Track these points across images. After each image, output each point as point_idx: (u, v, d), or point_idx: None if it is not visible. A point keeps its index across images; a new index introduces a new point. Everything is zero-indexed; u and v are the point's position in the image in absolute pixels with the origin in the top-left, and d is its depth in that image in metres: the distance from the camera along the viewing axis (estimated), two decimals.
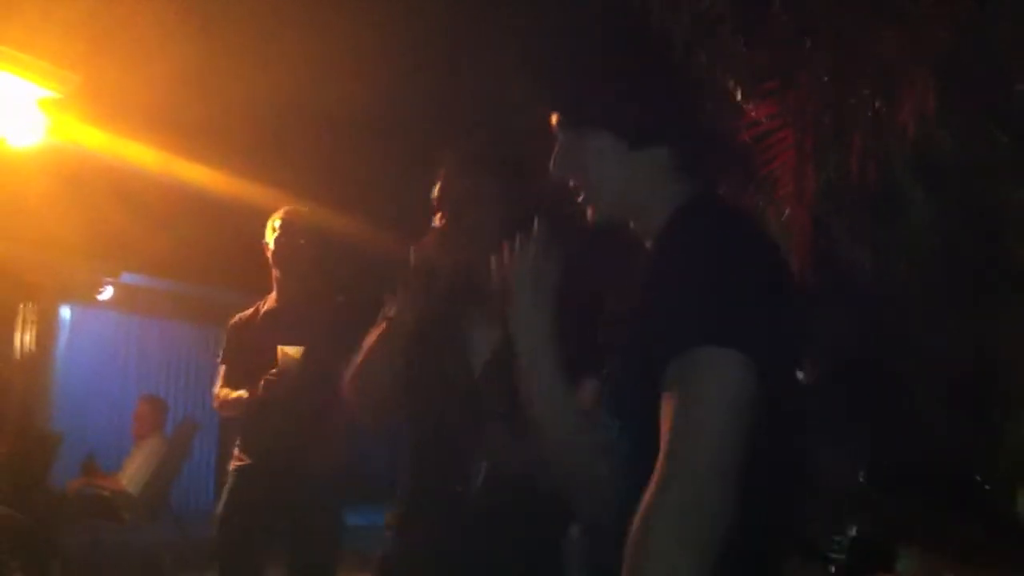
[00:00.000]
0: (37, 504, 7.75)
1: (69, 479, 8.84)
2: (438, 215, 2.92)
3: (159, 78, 6.43)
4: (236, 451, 4.72)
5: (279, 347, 4.46)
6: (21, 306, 9.36)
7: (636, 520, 1.53)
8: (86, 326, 10.95)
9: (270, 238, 4.61)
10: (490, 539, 2.96)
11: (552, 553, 3.06)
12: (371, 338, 3.03)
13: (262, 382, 4.47)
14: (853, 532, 4.68)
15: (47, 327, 9.70)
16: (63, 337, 10.27)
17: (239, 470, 4.64)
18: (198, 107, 6.73)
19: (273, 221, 4.63)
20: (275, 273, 4.67)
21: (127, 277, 10.22)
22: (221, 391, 4.71)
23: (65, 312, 10.34)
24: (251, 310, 4.81)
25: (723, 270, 1.62)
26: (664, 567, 1.50)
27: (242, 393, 4.59)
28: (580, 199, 1.89)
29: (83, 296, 10.21)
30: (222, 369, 4.77)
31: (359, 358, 3.08)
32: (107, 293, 10.28)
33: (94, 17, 5.98)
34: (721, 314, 1.58)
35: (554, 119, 1.94)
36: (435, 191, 2.93)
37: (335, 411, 4.54)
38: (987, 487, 5.07)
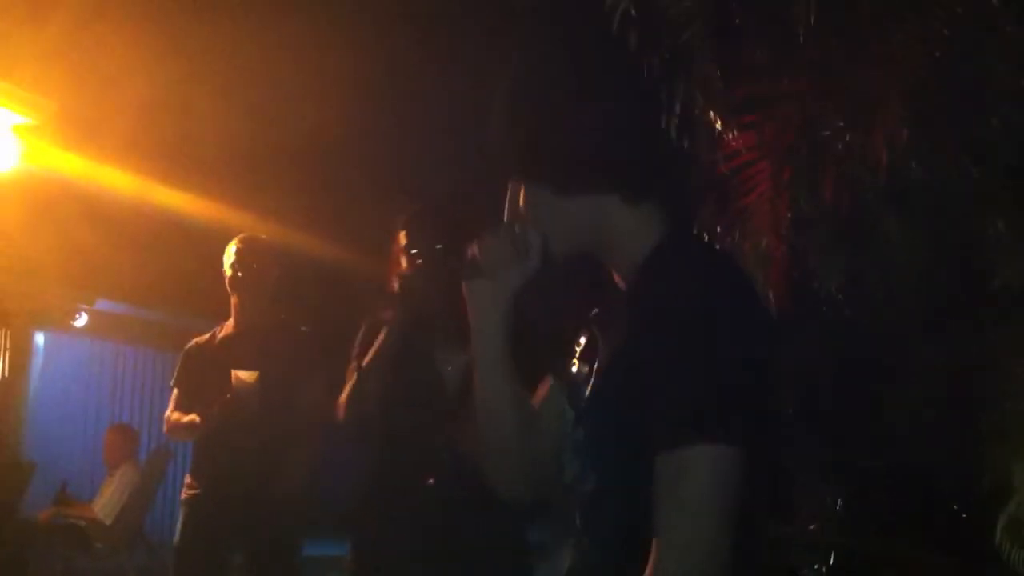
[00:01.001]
0: (9, 534, 7.67)
1: (42, 508, 8.76)
2: (406, 259, 3.43)
3: (134, 105, 6.42)
4: (187, 479, 4.69)
5: (233, 371, 4.46)
6: None
7: None
8: (60, 353, 10.88)
9: (227, 264, 4.61)
10: (456, 526, 3.26)
11: (516, 539, 3.42)
12: (365, 361, 3.40)
13: (215, 406, 4.46)
14: (831, 561, 4.69)
15: (20, 353, 9.63)
16: (37, 364, 10.20)
17: (191, 501, 4.62)
18: (173, 134, 6.72)
19: (230, 247, 4.63)
20: (233, 299, 4.66)
21: (102, 304, 10.16)
22: (172, 415, 4.70)
23: (39, 339, 10.27)
24: (207, 335, 4.80)
25: (709, 346, 1.60)
26: None
27: (193, 417, 4.58)
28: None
29: (57, 323, 10.14)
30: (175, 393, 4.76)
31: (354, 379, 3.43)
32: (82, 320, 10.21)
33: (69, 44, 5.96)
34: (711, 405, 1.58)
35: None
36: (401, 239, 3.46)
37: (296, 440, 4.54)
38: (963, 515, 5.08)
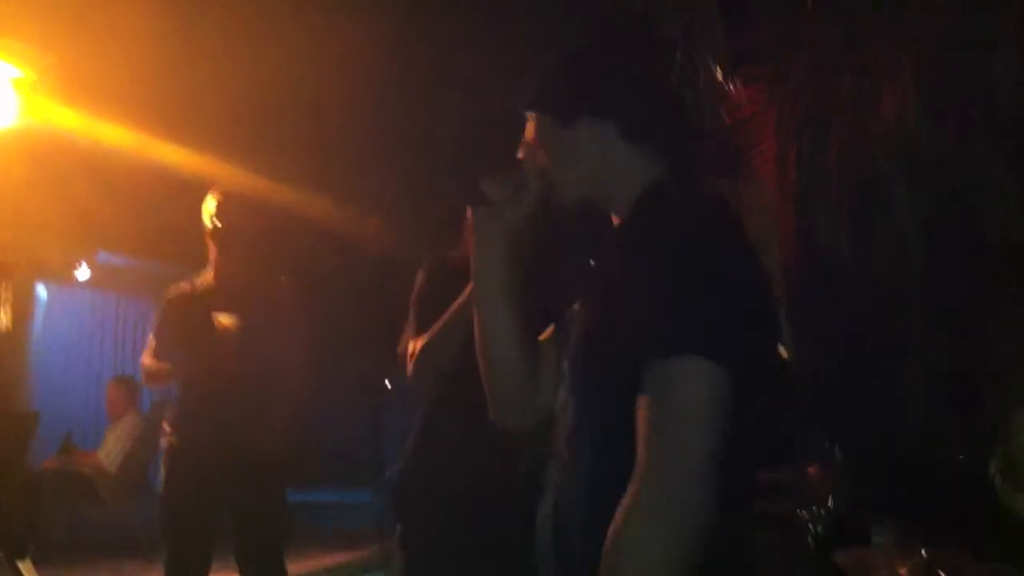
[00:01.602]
0: (14, 483, 7.72)
1: (47, 458, 8.82)
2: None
3: (134, 58, 6.37)
4: (166, 426, 4.73)
5: (214, 314, 4.50)
6: None
7: (615, 524, 1.59)
8: (62, 305, 10.91)
9: (206, 216, 4.64)
10: (498, 512, 3.08)
11: None
12: (445, 316, 3.22)
13: (195, 353, 4.51)
14: (830, 505, 4.74)
15: (23, 306, 9.64)
16: (39, 316, 10.22)
17: (170, 450, 4.65)
18: (173, 87, 6.69)
19: (210, 199, 4.67)
20: (212, 250, 4.70)
21: (103, 256, 10.16)
22: (149, 362, 4.74)
23: (41, 291, 10.28)
24: (186, 284, 4.81)
25: (697, 269, 1.64)
26: (642, 571, 1.55)
27: (166, 365, 4.65)
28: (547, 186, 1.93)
29: (59, 275, 10.15)
30: (151, 341, 4.79)
31: (431, 332, 3.27)
32: (83, 272, 10.22)
33: None
34: (697, 321, 1.61)
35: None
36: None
37: (276, 388, 4.58)
38: (962, 457, 5.13)
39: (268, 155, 6.94)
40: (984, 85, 3.99)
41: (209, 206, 4.63)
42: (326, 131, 7.33)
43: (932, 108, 4.08)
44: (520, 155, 1.99)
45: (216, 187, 4.70)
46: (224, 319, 4.52)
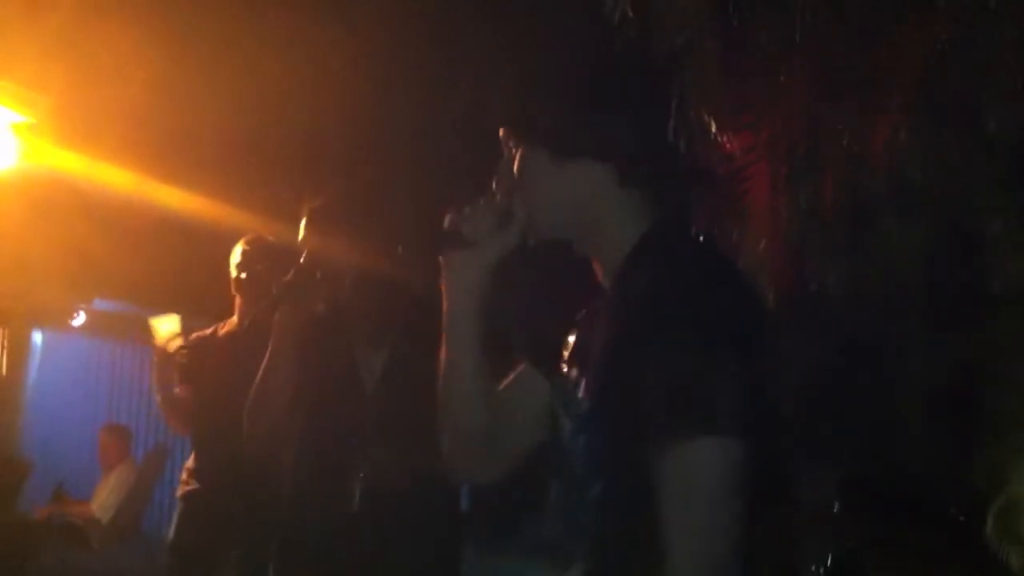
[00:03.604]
0: (5, 532, 7.65)
1: (39, 507, 8.75)
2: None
3: (134, 101, 6.41)
4: (184, 476, 4.70)
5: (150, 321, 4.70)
6: None
7: None
8: (58, 352, 10.87)
9: (232, 265, 4.62)
10: (377, 554, 3.00)
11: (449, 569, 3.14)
12: (261, 368, 3.14)
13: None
14: (831, 559, 4.70)
15: (18, 352, 9.60)
16: (34, 363, 10.18)
17: (187, 496, 4.63)
18: (174, 130, 6.70)
19: (236, 248, 4.65)
20: (237, 300, 4.68)
21: (99, 303, 10.14)
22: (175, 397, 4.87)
23: (37, 338, 10.24)
24: (210, 330, 4.80)
25: (710, 336, 1.59)
26: None
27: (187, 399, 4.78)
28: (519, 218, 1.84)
29: (55, 322, 10.13)
30: (179, 388, 4.88)
31: (252, 391, 3.17)
32: (80, 319, 10.20)
33: (67, 40, 5.95)
34: (715, 399, 1.56)
35: (501, 134, 1.88)
36: (301, 233, 3.20)
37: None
38: (962, 517, 5.08)
39: (271, 196, 6.93)
40: (982, 118, 4.00)
41: (234, 256, 4.61)
42: (332, 170, 7.34)
43: (929, 143, 4.09)
44: (495, 182, 1.88)
45: (246, 236, 4.69)
46: (159, 321, 4.54)
